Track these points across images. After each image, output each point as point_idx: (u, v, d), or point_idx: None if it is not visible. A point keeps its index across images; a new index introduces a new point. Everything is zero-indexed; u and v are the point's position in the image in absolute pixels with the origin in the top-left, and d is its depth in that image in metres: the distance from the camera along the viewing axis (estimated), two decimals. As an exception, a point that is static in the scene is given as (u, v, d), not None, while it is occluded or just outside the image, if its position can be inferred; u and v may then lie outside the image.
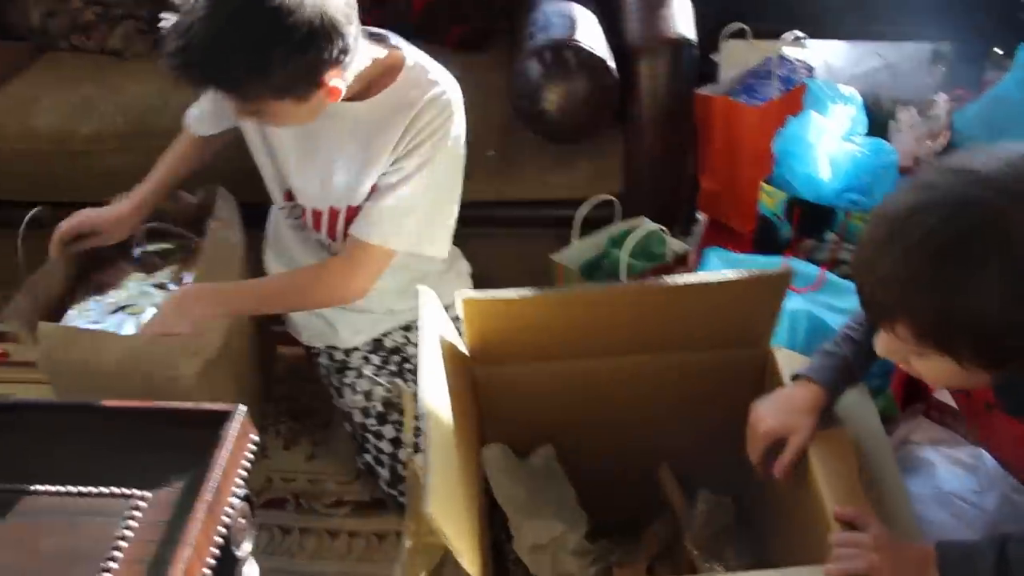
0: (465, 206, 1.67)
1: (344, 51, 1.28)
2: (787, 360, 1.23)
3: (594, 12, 1.72)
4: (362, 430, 1.61)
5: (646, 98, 1.70)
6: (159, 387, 1.34)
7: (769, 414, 1.12)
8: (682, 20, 1.67)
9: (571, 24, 1.63)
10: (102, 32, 2.07)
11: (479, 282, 1.77)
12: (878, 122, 1.80)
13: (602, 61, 1.59)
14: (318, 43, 1.25)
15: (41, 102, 1.90)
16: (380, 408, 1.58)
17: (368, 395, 1.59)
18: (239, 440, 1.07)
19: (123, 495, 1.01)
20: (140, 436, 1.09)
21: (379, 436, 1.59)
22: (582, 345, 1.22)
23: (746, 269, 1.14)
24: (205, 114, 1.60)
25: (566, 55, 1.58)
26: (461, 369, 1.22)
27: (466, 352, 1.23)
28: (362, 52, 1.35)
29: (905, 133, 1.82)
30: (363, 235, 1.43)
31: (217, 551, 0.99)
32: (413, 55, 1.44)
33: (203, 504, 0.98)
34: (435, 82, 1.41)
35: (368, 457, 1.64)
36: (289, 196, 1.57)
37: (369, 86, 1.42)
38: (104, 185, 1.75)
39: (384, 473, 1.61)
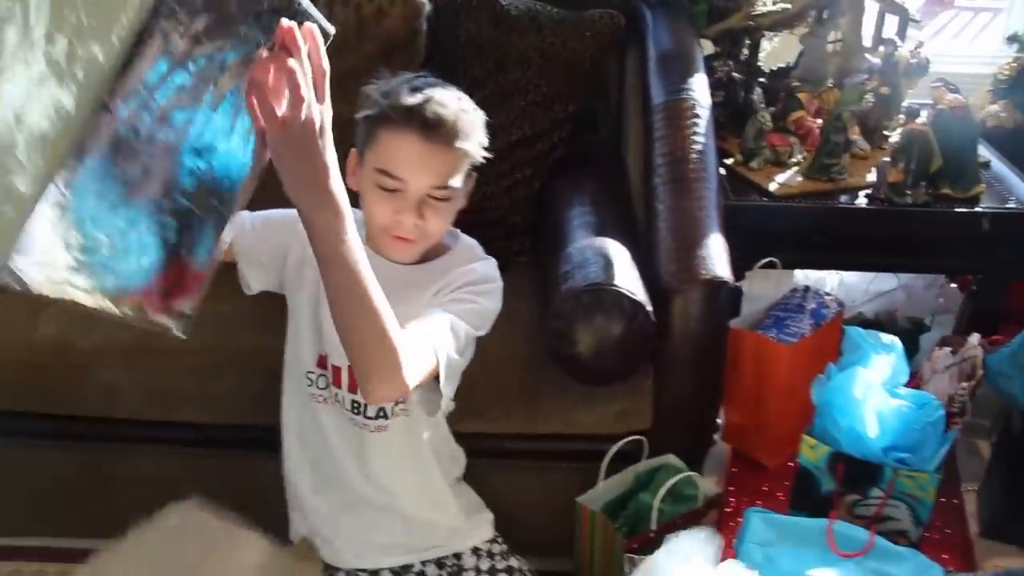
0: (487, 437, 1.59)
1: None
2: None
3: (628, 248, 1.68)
4: None
5: (679, 338, 1.64)
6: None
7: None
8: (718, 259, 1.63)
9: (609, 265, 1.58)
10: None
11: (501, 516, 1.68)
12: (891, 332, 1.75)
13: (641, 306, 1.54)
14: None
15: (41, 313, 1.82)
16: None
17: None
18: None
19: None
20: None
21: None
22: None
23: None
24: (258, 269, 1.49)
25: (605, 299, 1.53)
26: None
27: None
28: None
29: (940, 374, 1.78)
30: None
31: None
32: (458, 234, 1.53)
33: None
34: (490, 258, 1.50)
35: None
36: (322, 361, 1.46)
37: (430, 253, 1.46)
38: (106, 399, 1.67)
39: None
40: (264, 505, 1.58)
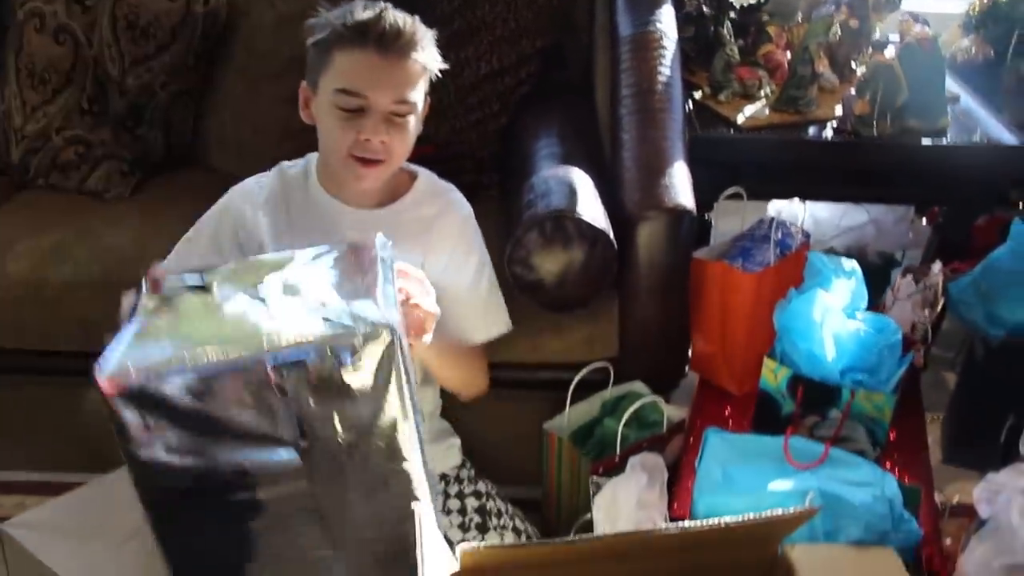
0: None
1: None
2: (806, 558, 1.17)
3: (593, 178, 1.69)
4: None
5: (643, 266, 1.66)
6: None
7: None
8: (682, 188, 1.65)
9: (572, 193, 1.59)
10: (82, 173, 2.00)
11: (470, 444, 1.71)
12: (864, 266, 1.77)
13: (603, 233, 1.56)
14: None
15: (14, 247, 1.83)
16: None
17: None
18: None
19: None
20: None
21: None
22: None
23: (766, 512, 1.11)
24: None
25: (567, 226, 1.55)
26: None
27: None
28: None
29: (903, 301, 1.80)
30: (480, 338, 1.57)
31: None
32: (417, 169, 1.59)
33: None
34: (452, 188, 1.59)
35: None
36: None
37: (386, 195, 1.52)
38: (80, 333, 1.68)
39: None
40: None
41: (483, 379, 1.62)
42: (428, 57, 1.42)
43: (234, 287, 1.09)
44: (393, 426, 1.03)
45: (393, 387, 1.01)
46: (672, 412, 1.74)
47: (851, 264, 1.64)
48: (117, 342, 1.02)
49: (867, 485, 1.36)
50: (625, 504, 1.50)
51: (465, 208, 1.59)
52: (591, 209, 1.59)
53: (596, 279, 1.61)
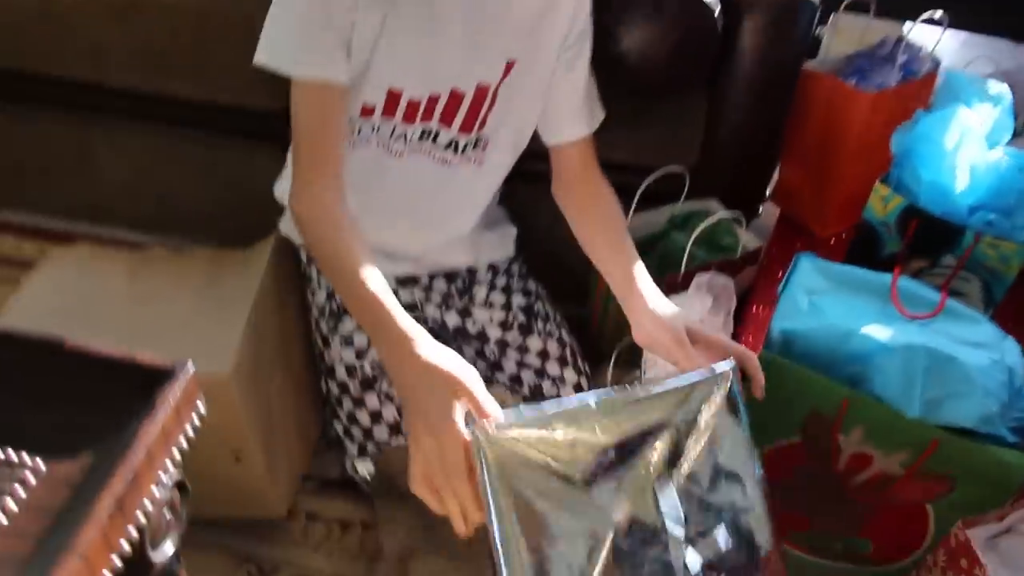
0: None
1: None
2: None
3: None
4: (340, 391, 1.32)
5: (745, 61, 1.40)
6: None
7: None
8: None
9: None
10: None
11: (527, 234, 1.49)
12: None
13: (707, 7, 1.29)
14: None
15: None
16: (369, 372, 1.29)
17: (361, 353, 1.30)
18: (179, 409, 0.78)
19: (7, 461, 0.72)
20: (49, 383, 0.80)
21: (359, 403, 1.30)
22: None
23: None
24: (330, 51, 1.13)
25: (667, -7, 1.28)
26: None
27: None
28: None
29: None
30: (589, 128, 1.32)
31: (123, 557, 0.71)
32: None
33: (111, 494, 0.69)
34: None
35: (339, 427, 1.36)
36: (394, 99, 1.23)
37: None
38: (92, 61, 1.47)
39: (352, 449, 1.33)
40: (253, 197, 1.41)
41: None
42: None
43: None
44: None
45: None
46: (748, 239, 1.51)
47: (999, 88, 1.36)
48: None
49: (984, 347, 1.12)
50: (684, 327, 1.28)
51: None
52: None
53: (688, 59, 1.35)
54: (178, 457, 0.78)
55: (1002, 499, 1.10)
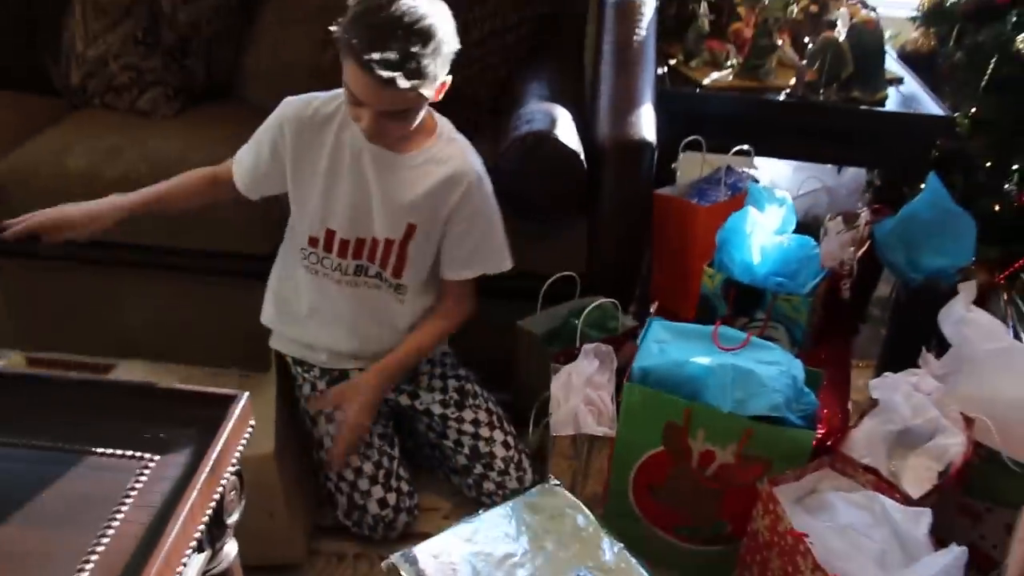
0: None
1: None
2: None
3: (574, 115, 1.99)
4: (327, 457, 1.80)
5: (610, 191, 1.95)
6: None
7: None
8: (647, 127, 1.94)
9: (552, 121, 1.90)
10: (133, 95, 2.31)
11: (459, 334, 1.97)
12: (815, 235, 2.04)
13: (574, 152, 1.86)
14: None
15: (73, 148, 2.12)
16: None
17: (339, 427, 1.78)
18: (239, 422, 1.26)
19: (136, 457, 1.19)
20: (153, 412, 1.27)
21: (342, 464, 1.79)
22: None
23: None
24: (259, 175, 1.78)
25: (544, 144, 1.85)
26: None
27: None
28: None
29: (832, 239, 2.07)
30: (467, 275, 1.82)
31: (211, 513, 1.17)
32: (440, 120, 1.76)
33: (205, 469, 1.16)
34: (470, 160, 1.74)
35: (330, 485, 1.82)
36: (328, 234, 1.75)
37: (410, 141, 1.69)
38: (129, 225, 1.95)
39: (342, 502, 1.80)
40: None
41: (471, 308, 1.89)
42: (422, 85, 1.51)
43: None
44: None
45: None
46: (627, 320, 2.03)
47: (783, 194, 1.94)
48: None
49: (776, 364, 1.64)
50: (576, 383, 1.77)
51: (478, 165, 1.75)
52: (567, 134, 1.89)
53: (567, 192, 1.90)
54: (239, 455, 1.25)
55: (800, 466, 1.59)
